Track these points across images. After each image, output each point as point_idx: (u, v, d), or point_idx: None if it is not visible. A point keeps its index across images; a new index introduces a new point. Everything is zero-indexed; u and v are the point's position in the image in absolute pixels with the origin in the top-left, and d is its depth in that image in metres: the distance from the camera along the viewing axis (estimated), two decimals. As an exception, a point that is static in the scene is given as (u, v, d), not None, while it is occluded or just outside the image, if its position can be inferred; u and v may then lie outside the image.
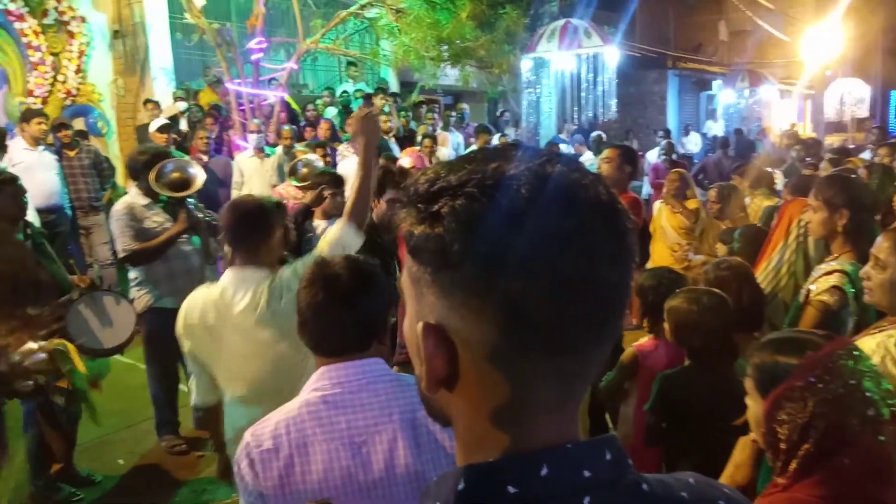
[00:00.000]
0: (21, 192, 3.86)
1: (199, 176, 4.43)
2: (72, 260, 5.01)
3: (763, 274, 3.32)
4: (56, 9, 8.38)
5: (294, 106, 9.58)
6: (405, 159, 6.84)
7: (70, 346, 3.32)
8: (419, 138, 9.12)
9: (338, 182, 4.87)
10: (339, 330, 1.69)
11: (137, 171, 4.43)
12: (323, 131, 8.59)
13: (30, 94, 8.25)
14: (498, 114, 13.87)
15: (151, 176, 4.34)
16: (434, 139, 8.93)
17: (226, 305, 2.54)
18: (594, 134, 10.42)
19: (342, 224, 2.76)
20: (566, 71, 12.17)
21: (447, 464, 1.60)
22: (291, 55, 9.19)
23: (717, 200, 5.69)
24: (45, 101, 8.28)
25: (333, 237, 2.72)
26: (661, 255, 5.90)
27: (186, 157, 4.96)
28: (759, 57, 18.07)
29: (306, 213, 4.77)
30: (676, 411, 2.47)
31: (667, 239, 6.02)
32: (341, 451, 1.60)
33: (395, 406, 1.64)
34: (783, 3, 16.20)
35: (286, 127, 8.03)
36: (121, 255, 4.42)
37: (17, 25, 8.07)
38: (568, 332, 0.64)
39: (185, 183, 4.41)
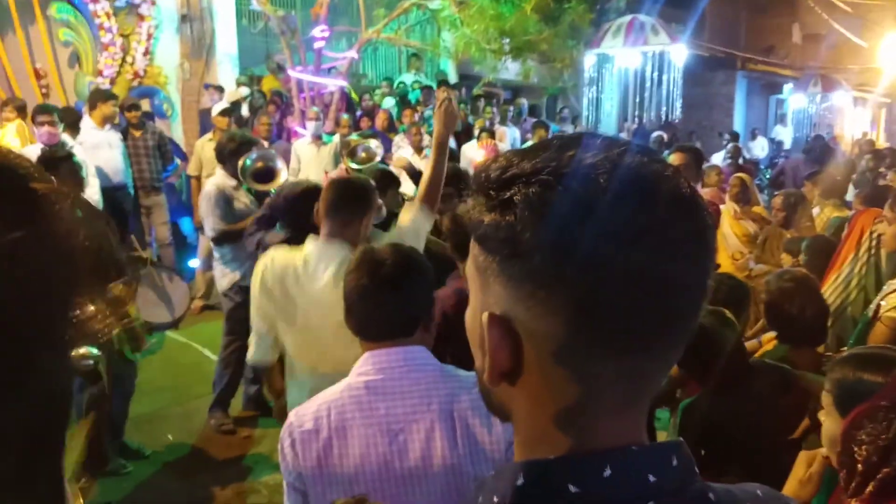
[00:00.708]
0: (78, 168, 3.96)
1: (283, 169, 4.50)
2: (133, 236, 5.13)
3: (832, 287, 3.16)
4: (128, -9, 8.61)
5: (353, 95, 9.64)
6: (480, 152, 6.78)
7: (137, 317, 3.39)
8: (476, 132, 9.06)
9: (389, 181, 4.85)
10: (383, 315, 1.70)
11: (225, 156, 4.61)
12: (381, 121, 8.61)
13: (99, 74, 8.49)
14: (557, 110, 13.70)
15: (240, 164, 4.50)
16: (492, 133, 8.86)
17: (308, 276, 2.56)
18: (655, 134, 10.18)
19: (416, 206, 2.78)
20: (630, 68, 11.94)
21: (484, 461, 1.60)
22: (353, 44, 9.23)
23: (782, 208, 5.48)
24: (113, 82, 8.51)
25: (407, 220, 2.75)
26: (722, 262, 5.72)
27: (272, 151, 5.03)
28: (834, 62, 17.38)
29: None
30: (705, 438, 2.36)
31: (728, 247, 5.83)
32: (378, 438, 1.61)
33: (435, 396, 1.63)
34: (861, 7, 15.54)
35: (344, 116, 8.06)
36: (209, 234, 4.60)
37: (90, 7, 8.31)
38: (639, 332, 0.61)
39: (268, 173, 4.50)
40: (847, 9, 14.62)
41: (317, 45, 8.79)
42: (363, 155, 5.91)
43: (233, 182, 4.57)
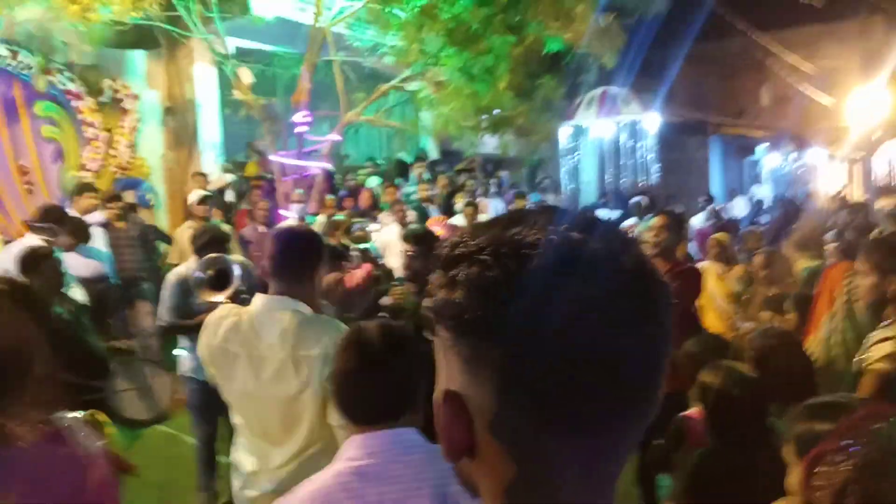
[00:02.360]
0: (58, 265, 3.97)
1: (236, 279, 4.31)
2: (110, 328, 5.11)
3: (815, 343, 3.17)
4: (111, 87, 8.80)
5: (338, 178, 9.80)
6: (435, 228, 6.85)
7: (104, 419, 3.32)
8: (459, 206, 9.19)
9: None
10: (372, 397, 1.66)
11: (196, 248, 4.55)
12: (364, 200, 8.73)
13: (83, 168, 8.59)
14: (537, 180, 13.95)
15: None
16: (475, 206, 8.99)
17: (254, 334, 2.41)
18: (634, 200, 10.37)
19: None
20: (605, 138, 12.25)
21: None
22: (334, 127, 9.45)
23: (764, 266, 5.53)
24: (97, 175, 8.60)
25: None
26: (712, 323, 5.72)
27: (234, 254, 4.92)
28: (804, 121, 17.91)
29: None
30: (708, 498, 2.32)
31: (716, 307, 5.85)
32: None
33: (426, 479, 1.59)
34: (825, 67, 16.14)
35: (328, 196, 8.17)
36: (158, 322, 4.52)
37: (73, 104, 8.49)
38: (586, 413, 0.60)
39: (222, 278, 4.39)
40: (809, 71, 15.18)
41: (298, 129, 8.98)
42: (358, 233, 6.01)
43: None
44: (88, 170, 8.60)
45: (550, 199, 12.61)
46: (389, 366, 1.68)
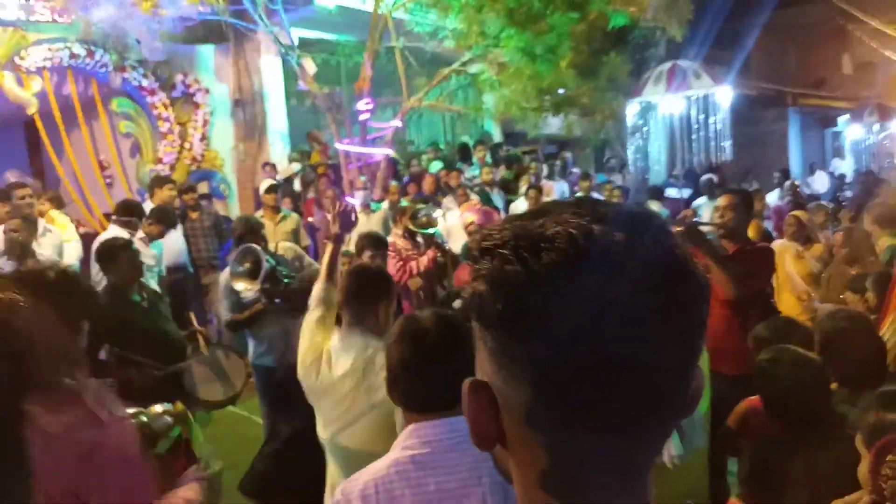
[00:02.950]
0: (135, 255, 4.14)
1: (264, 270, 4.48)
2: (191, 314, 5.32)
3: (891, 327, 3.00)
4: (183, 82, 9.10)
5: (401, 164, 9.87)
6: (467, 214, 6.79)
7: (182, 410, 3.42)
8: (523, 189, 9.12)
9: (378, 244, 4.90)
10: (427, 386, 1.68)
11: (234, 240, 4.79)
12: (428, 185, 8.76)
13: (159, 161, 8.94)
14: (604, 160, 13.69)
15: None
16: (539, 189, 8.90)
17: (329, 366, 2.59)
18: (704, 177, 10.03)
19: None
20: (675, 114, 11.87)
21: None
22: (397, 113, 9.51)
23: (844, 244, 5.28)
24: (172, 168, 8.93)
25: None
26: (788, 305, 5.50)
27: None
28: (889, 89, 16.92)
29: None
30: (771, 488, 2.24)
31: (794, 287, 5.62)
32: None
33: (485, 469, 1.58)
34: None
35: (392, 182, 8.24)
36: (222, 323, 4.74)
37: (148, 99, 8.82)
38: (608, 412, 0.60)
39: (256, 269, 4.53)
40: (894, 35, 14.31)
41: (362, 117, 9.08)
42: (423, 219, 6.05)
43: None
44: (164, 163, 8.95)
45: (617, 179, 12.36)
46: (444, 355, 1.69)
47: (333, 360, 2.59)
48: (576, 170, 11.49)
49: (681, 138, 12.26)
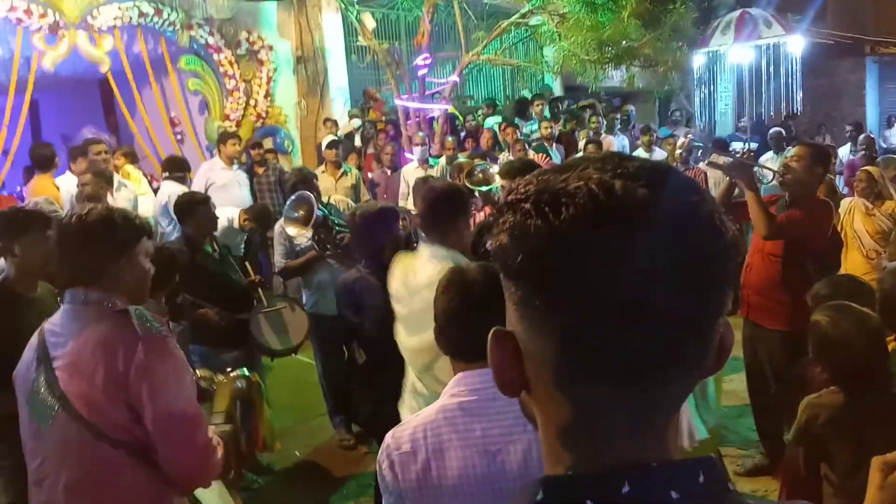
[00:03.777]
0: (212, 210, 4.34)
1: (315, 216, 4.63)
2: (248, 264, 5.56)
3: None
4: (248, 40, 9.27)
5: (460, 119, 9.86)
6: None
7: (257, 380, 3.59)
8: (581, 143, 9.01)
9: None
10: (474, 336, 1.73)
11: (286, 190, 4.96)
12: (485, 141, 8.76)
13: (226, 118, 9.18)
14: (669, 113, 13.34)
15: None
16: (598, 144, 8.79)
17: (415, 278, 2.72)
18: (773, 130, 9.68)
19: None
20: (744, 64, 11.45)
21: None
22: (456, 68, 9.47)
23: (915, 201, 5.09)
24: (238, 125, 9.17)
25: None
26: (854, 263, 5.34)
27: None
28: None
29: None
30: (822, 444, 2.25)
31: (862, 245, 5.45)
32: (476, 459, 1.62)
33: None
34: None
35: (450, 138, 8.28)
36: (275, 269, 4.92)
37: (214, 57, 9.03)
38: (627, 362, 0.61)
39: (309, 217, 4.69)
40: None
41: (420, 72, 9.09)
42: (480, 176, 6.06)
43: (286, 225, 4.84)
44: (231, 119, 9.18)
45: (682, 132, 12.06)
46: (490, 305, 1.74)
47: (418, 272, 2.72)
48: (639, 124, 11.25)
49: (749, 90, 11.84)
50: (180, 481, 2.04)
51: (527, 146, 8.15)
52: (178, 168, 6.61)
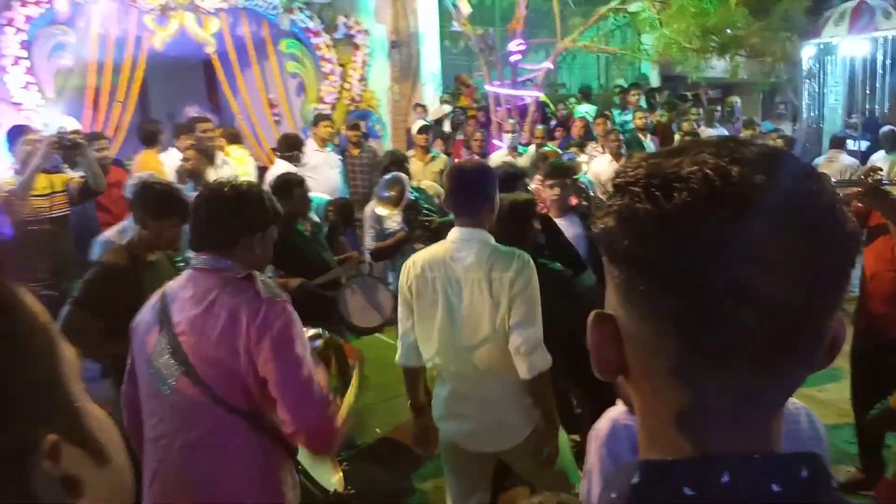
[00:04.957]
0: (307, 191, 4.47)
1: (406, 196, 4.67)
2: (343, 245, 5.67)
3: None
4: (345, 24, 9.43)
5: (550, 106, 9.73)
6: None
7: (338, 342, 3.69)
8: (678, 136, 8.73)
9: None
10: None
11: (382, 170, 5.04)
12: (576, 130, 8.61)
13: (321, 100, 9.39)
14: (773, 107, 12.74)
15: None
16: (696, 137, 8.48)
17: (451, 259, 2.70)
18: (886, 129, 9.08)
19: None
20: (857, 57, 10.79)
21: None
22: (550, 55, 9.34)
23: None
24: (333, 108, 9.36)
25: None
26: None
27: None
28: None
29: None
30: None
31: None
32: None
33: None
34: None
35: (539, 126, 8.17)
36: (365, 252, 5.00)
37: (313, 41, 9.24)
38: (735, 352, 0.60)
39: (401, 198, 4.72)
40: None
41: (513, 58, 9.01)
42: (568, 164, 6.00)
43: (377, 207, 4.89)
44: (325, 102, 9.39)
45: (786, 127, 11.50)
46: None
47: (455, 255, 2.70)
48: (742, 117, 10.80)
49: (862, 85, 11.16)
50: (304, 438, 2.10)
51: (620, 136, 7.96)
52: (288, 147, 6.76)
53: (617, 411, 1.64)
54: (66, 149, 4.88)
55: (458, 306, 2.68)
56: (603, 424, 1.65)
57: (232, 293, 2.09)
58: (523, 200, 3.31)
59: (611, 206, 0.64)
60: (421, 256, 2.80)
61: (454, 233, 2.73)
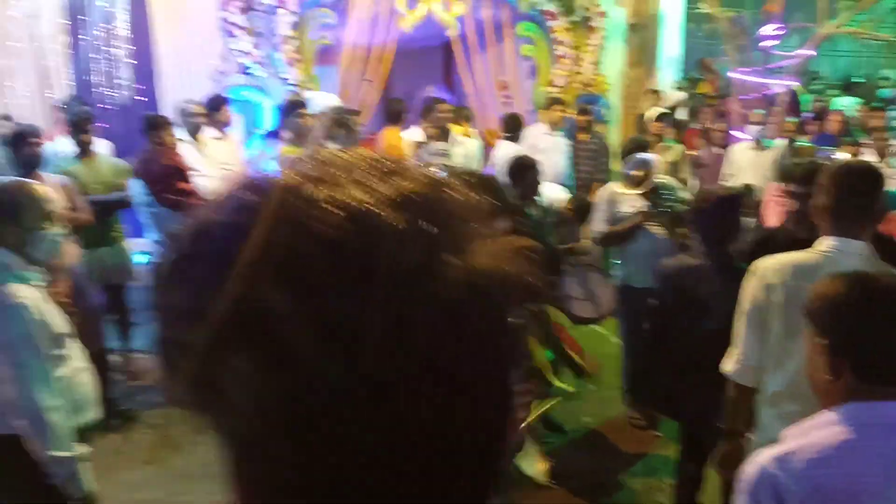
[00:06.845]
0: (538, 175, 4.51)
1: (652, 179, 4.49)
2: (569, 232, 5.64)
3: None
4: (583, 6, 9.30)
5: (806, 98, 8.87)
6: None
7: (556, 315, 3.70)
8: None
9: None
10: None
11: (624, 153, 4.91)
12: (833, 125, 7.77)
13: (552, 84, 9.38)
14: None
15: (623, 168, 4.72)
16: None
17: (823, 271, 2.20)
18: None
19: None
20: None
21: None
22: (804, 41, 8.50)
23: None
24: (563, 91, 9.31)
25: None
26: None
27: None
28: None
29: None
30: None
31: None
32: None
33: None
34: None
35: (789, 119, 7.49)
36: (593, 236, 4.87)
37: (549, 23, 9.24)
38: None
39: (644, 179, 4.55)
40: None
41: (765, 43, 8.32)
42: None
43: (621, 189, 4.69)
44: (556, 86, 9.37)
45: None
46: None
47: (826, 264, 2.31)
48: None
49: None
50: None
51: (887, 135, 7.04)
52: (512, 127, 6.89)
53: (766, 456, 1.53)
54: (344, 127, 5.32)
55: None
56: (751, 470, 1.54)
57: None
58: (733, 193, 3.04)
59: None
60: (788, 261, 2.39)
61: (828, 241, 2.35)
